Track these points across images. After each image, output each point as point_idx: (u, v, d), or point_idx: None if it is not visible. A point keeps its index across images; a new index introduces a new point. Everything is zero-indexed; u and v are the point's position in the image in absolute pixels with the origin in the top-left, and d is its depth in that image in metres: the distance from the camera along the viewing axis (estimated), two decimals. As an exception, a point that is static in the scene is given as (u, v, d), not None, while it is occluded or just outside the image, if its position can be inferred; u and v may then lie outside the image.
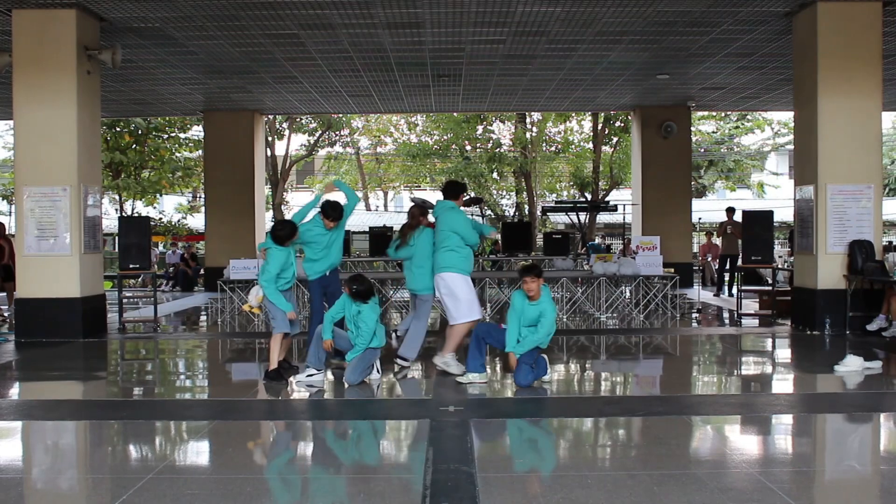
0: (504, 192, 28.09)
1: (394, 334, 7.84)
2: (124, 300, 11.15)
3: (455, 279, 6.56)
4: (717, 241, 15.69)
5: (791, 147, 17.33)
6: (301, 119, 24.74)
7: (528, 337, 6.21)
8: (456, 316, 6.60)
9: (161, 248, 24.77)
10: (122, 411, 5.84)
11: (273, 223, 6.41)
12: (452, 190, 6.91)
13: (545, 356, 6.49)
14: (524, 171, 25.17)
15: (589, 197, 25.26)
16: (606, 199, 24.10)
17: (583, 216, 19.98)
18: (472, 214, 16.18)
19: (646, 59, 11.89)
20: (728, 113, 26.40)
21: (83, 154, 9.23)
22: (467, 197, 7.26)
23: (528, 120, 24.88)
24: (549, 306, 6.23)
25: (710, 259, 17.45)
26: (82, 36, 9.15)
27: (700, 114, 24.79)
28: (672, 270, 11.86)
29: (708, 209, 26.69)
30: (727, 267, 14.65)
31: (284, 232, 6.54)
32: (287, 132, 25.72)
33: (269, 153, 23.16)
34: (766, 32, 10.34)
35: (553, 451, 4.83)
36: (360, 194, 34.80)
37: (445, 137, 25.71)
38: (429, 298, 6.95)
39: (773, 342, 9.12)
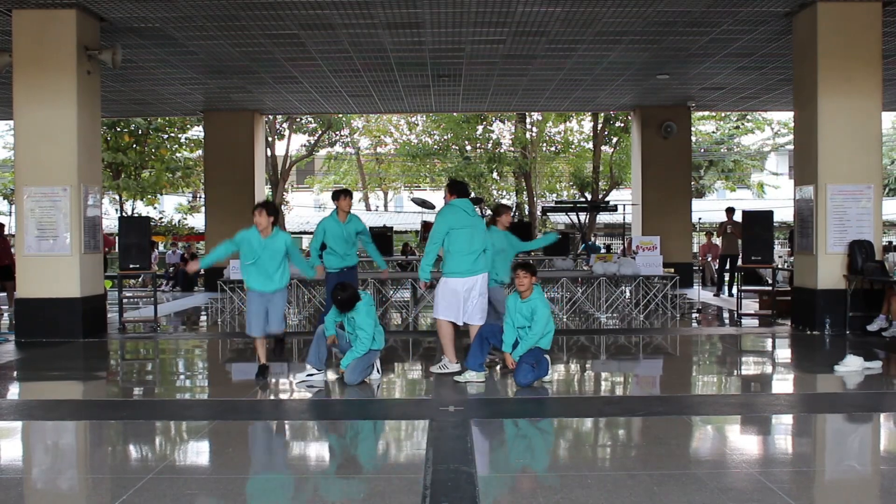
0: (504, 192, 28.10)
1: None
2: (124, 300, 11.15)
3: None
4: (717, 241, 15.69)
5: (791, 147, 17.32)
6: (301, 119, 24.73)
7: (526, 338, 6.23)
8: (484, 316, 6.78)
9: (161, 248, 24.76)
10: (122, 411, 5.84)
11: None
12: (468, 191, 6.97)
13: (548, 356, 6.50)
14: (524, 171, 25.18)
15: (589, 197, 25.26)
16: (606, 199, 24.10)
17: (583, 216, 19.97)
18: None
19: (646, 59, 11.89)
20: (728, 113, 26.39)
21: (83, 154, 9.23)
22: None
23: (528, 120, 24.88)
24: (541, 303, 6.26)
25: (710, 259, 17.45)
26: (82, 36, 9.15)
27: (700, 114, 24.79)
28: (672, 270, 11.86)
29: (708, 209, 26.69)
30: (727, 267, 14.64)
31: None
32: (287, 132, 25.72)
33: (269, 153, 23.15)
34: (766, 32, 10.34)
35: (553, 451, 4.83)
36: (359, 193, 34.88)
37: (445, 137, 25.72)
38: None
39: (773, 342, 9.12)
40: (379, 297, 11.19)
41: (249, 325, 6.60)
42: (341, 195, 7.92)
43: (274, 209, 6.67)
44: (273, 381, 6.71)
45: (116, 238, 12.80)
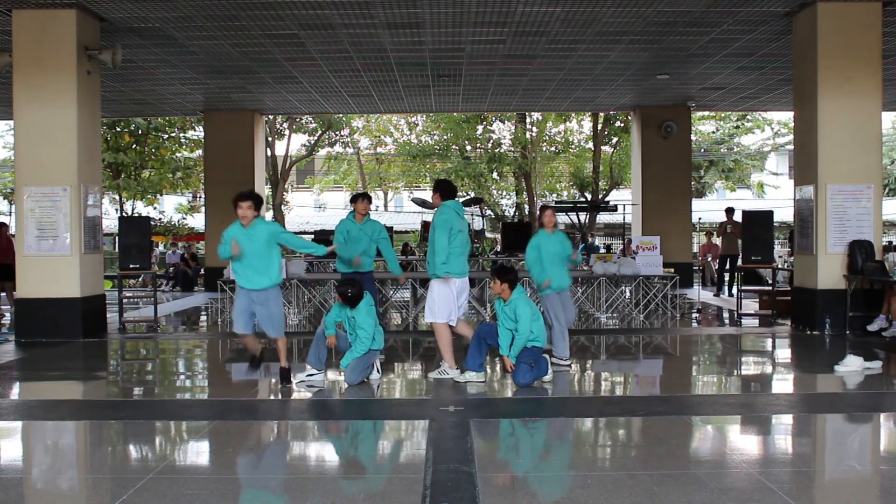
0: (504, 192, 28.09)
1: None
2: (124, 300, 11.15)
3: None
4: (717, 241, 15.69)
5: (791, 147, 17.32)
6: (301, 119, 24.73)
7: (516, 339, 6.27)
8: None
9: (161, 248, 24.76)
10: (122, 411, 5.84)
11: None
12: (456, 192, 6.99)
13: (547, 356, 6.51)
14: (524, 171, 25.17)
15: (589, 197, 25.26)
16: (606, 199, 24.10)
17: (583, 216, 19.97)
18: (472, 215, 16.21)
19: (646, 59, 11.89)
20: (728, 113, 26.38)
21: (83, 154, 9.23)
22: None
23: (528, 120, 24.87)
24: (521, 303, 6.28)
25: (710, 259, 17.45)
26: (82, 36, 9.15)
27: (700, 114, 24.78)
28: (672, 270, 11.86)
29: (708, 209, 26.69)
30: (727, 267, 14.65)
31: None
32: (287, 132, 25.72)
33: (269, 153, 23.14)
34: (766, 32, 10.34)
35: (553, 451, 4.83)
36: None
37: (445, 137, 25.71)
38: (567, 294, 7.32)
39: (773, 342, 9.12)
40: (379, 297, 11.19)
41: (234, 322, 6.28)
42: (359, 198, 7.94)
43: (258, 198, 6.38)
44: (273, 381, 6.71)
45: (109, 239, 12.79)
